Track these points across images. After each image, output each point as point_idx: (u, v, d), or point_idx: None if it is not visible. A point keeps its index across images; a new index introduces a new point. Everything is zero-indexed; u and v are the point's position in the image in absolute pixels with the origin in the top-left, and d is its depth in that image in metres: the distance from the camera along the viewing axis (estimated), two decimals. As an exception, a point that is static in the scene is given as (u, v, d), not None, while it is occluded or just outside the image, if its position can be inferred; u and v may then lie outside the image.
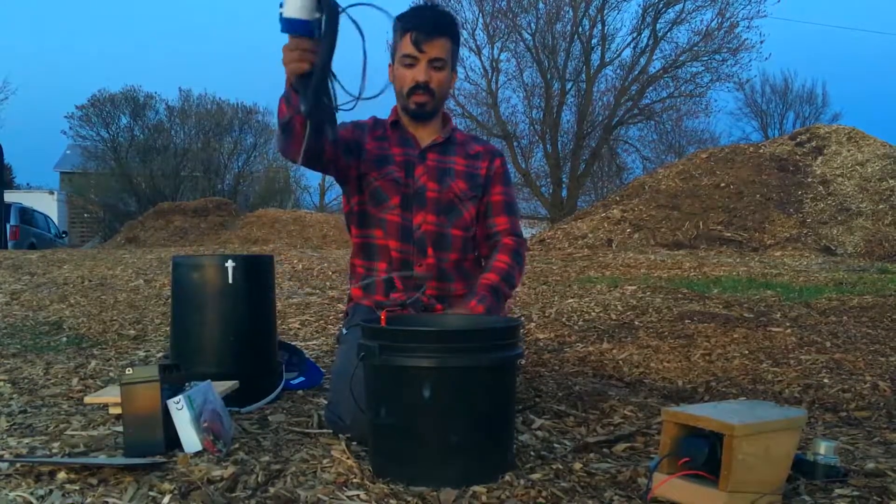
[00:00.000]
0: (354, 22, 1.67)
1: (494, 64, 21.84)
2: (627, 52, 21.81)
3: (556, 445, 1.89)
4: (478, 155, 2.30)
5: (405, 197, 2.20)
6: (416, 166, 2.22)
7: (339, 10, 1.64)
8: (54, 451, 1.82)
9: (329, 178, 22.17)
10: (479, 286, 2.11)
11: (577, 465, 1.71)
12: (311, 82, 1.69)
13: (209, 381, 1.99)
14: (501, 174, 2.32)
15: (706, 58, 21.10)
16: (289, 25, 1.65)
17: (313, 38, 1.66)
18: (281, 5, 1.65)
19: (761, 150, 12.37)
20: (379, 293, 2.19)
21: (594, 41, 21.62)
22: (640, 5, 21.12)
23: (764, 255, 8.88)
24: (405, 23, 2.15)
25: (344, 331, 2.23)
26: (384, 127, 2.28)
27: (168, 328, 3.35)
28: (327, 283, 5.60)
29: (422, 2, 2.27)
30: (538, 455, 1.79)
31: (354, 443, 1.85)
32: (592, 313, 4.12)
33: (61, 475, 1.60)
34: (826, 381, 2.66)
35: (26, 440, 1.90)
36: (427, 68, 2.14)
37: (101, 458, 1.74)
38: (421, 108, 2.18)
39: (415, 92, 2.16)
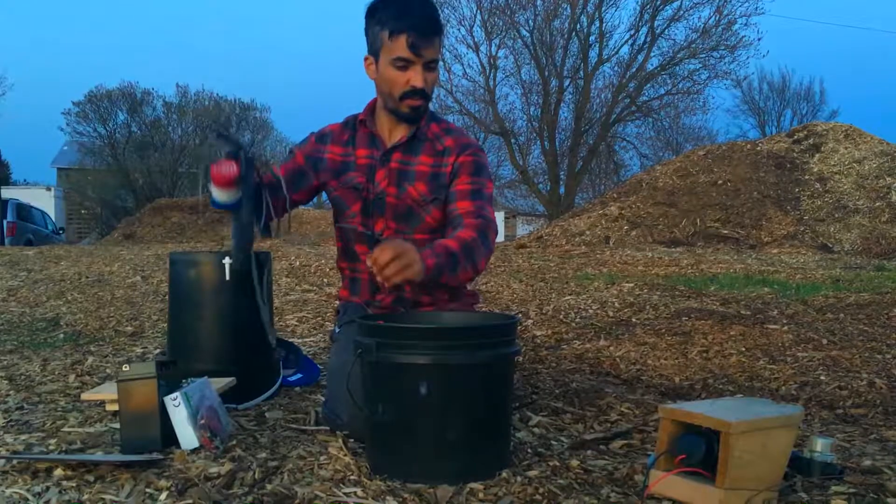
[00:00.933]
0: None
1: (492, 61, 21.85)
2: (625, 50, 21.85)
3: (553, 442, 1.89)
4: (445, 151, 2.13)
5: (365, 203, 2.13)
6: (377, 170, 2.13)
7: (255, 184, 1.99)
8: (51, 447, 1.82)
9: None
10: (436, 245, 1.89)
11: (574, 462, 1.71)
12: (238, 243, 2.05)
13: (206, 377, 1.99)
14: (468, 164, 2.12)
15: (704, 55, 21.12)
16: (217, 205, 2.01)
17: (237, 208, 1.98)
18: (208, 189, 2.06)
19: (759, 148, 12.38)
20: (364, 294, 2.20)
21: (592, 38, 21.64)
22: (638, 2, 21.14)
23: (761, 252, 8.90)
24: (397, 22, 1.99)
25: (337, 329, 2.23)
26: (354, 127, 2.20)
27: (165, 325, 3.34)
28: (325, 280, 5.59)
29: None
30: (535, 452, 1.79)
31: (352, 440, 1.85)
32: (590, 310, 4.12)
33: (58, 472, 1.60)
34: (823, 378, 2.66)
35: (23, 437, 1.90)
36: (424, 72, 2.03)
37: (98, 455, 1.74)
38: (416, 111, 2.08)
39: (411, 97, 2.04)
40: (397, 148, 2.13)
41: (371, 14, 2.06)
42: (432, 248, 1.86)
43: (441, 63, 2.20)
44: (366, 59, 2.10)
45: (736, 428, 1.42)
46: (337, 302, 2.43)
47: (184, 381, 1.90)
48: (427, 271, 1.79)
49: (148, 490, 1.51)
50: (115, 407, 1.89)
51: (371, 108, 2.19)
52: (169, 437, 1.76)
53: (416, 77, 2.02)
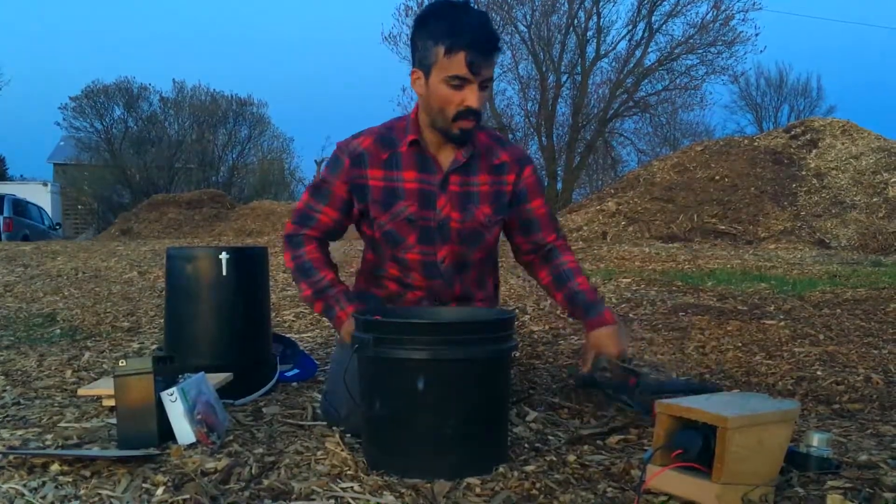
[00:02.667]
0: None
1: (490, 56, 21.76)
2: (623, 45, 21.81)
3: (549, 437, 1.89)
4: (503, 167, 2.06)
5: (424, 231, 2.01)
6: (438, 197, 1.99)
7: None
8: (47, 443, 1.81)
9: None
10: (585, 293, 2.10)
11: (571, 457, 1.71)
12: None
13: (203, 373, 1.99)
14: (534, 184, 2.12)
15: (701, 50, 21.09)
16: None
17: None
18: None
19: (756, 143, 12.39)
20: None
21: (590, 34, 21.60)
22: (635, -3, 21.10)
23: (758, 247, 8.91)
24: (455, 39, 1.83)
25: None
26: (395, 145, 2.01)
27: (162, 320, 3.34)
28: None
29: None
30: (532, 447, 1.79)
31: (349, 435, 1.85)
32: (587, 306, 4.11)
33: (54, 467, 1.60)
34: (819, 373, 2.67)
35: (19, 432, 1.90)
36: (478, 91, 1.88)
37: (95, 451, 1.74)
38: (467, 134, 1.93)
39: (464, 118, 1.90)
40: (455, 171, 2.00)
41: (422, 25, 1.91)
42: (599, 303, 2.10)
43: None
44: (413, 72, 1.94)
45: (733, 423, 1.43)
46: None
47: (180, 376, 1.90)
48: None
49: (145, 485, 1.51)
50: (112, 402, 1.89)
51: (416, 124, 2.00)
52: (166, 433, 1.76)
53: (471, 97, 1.88)
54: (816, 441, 1.63)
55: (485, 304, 2.17)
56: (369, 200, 2.01)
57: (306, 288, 2.04)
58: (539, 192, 2.15)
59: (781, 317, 3.64)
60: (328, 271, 2.04)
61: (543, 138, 22.23)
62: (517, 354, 2.92)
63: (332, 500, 1.45)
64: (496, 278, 2.28)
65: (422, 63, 1.91)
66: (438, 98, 1.90)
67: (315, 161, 26.73)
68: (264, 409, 2.15)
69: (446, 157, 2.01)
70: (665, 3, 20.85)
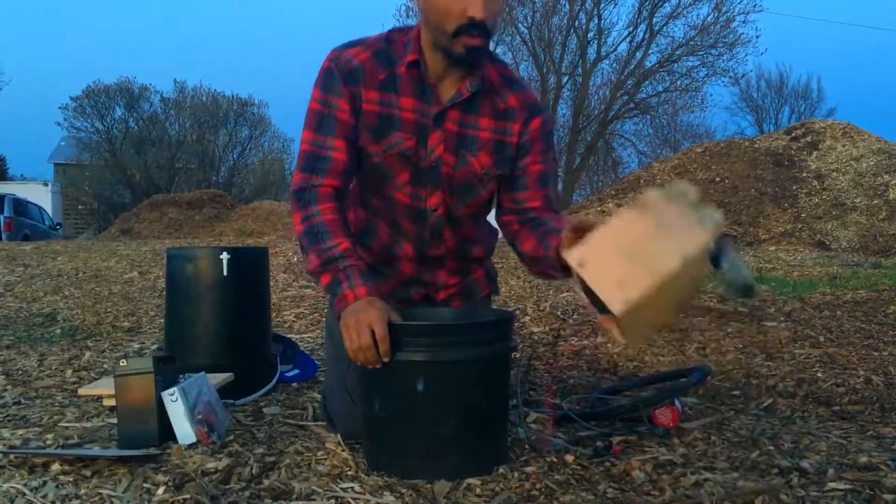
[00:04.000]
0: None
1: (490, 57, 21.80)
2: (623, 46, 21.86)
3: (550, 438, 1.89)
4: (509, 113, 1.78)
5: (416, 171, 1.77)
6: (430, 131, 1.74)
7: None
8: (48, 442, 1.81)
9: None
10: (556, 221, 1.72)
11: (571, 458, 1.71)
12: None
13: (203, 373, 1.99)
14: (539, 138, 1.81)
15: (702, 52, 21.12)
16: None
17: None
18: None
19: (756, 145, 12.39)
20: (396, 280, 1.92)
21: (590, 35, 21.63)
22: (636, -1, 21.12)
23: (758, 249, 8.91)
24: None
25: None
26: (393, 64, 1.73)
27: (162, 320, 3.34)
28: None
29: None
30: (532, 448, 1.79)
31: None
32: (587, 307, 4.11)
33: (55, 467, 1.60)
34: (820, 375, 2.67)
35: (20, 432, 1.90)
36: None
37: (95, 450, 1.74)
38: (474, 52, 1.64)
39: (467, 32, 1.61)
40: (456, 106, 1.74)
41: None
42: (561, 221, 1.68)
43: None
44: None
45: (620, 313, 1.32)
46: None
47: (181, 376, 1.90)
48: None
49: (145, 485, 1.51)
50: (113, 402, 1.89)
51: (417, 43, 1.72)
52: (166, 433, 1.76)
53: (474, 4, 1.58)
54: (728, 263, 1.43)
55: (479, 264, 1.97)
56: (360, 125, 1.74)
57: (314, 258, 1.65)
58: (541, 147, 1.83)
59: (782, 318, 3.64)
60: (344, 238, 1.66)
61: (544, 139, 22.21)
62: (517, 355, 2.92)
63: (333, 501, 1.45)
64: (490, 245, 2.02)
65: None
66: (437, 9, 1.62)
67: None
68: (265, 410, 2.15)
69: (447, 88, 1.74)
70: (666, 4, 20.89)
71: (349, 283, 1.61)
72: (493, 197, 1.89)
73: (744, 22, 20.50)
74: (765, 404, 2.35)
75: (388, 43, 1.75)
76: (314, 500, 1.46)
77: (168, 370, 1.87)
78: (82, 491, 1.48)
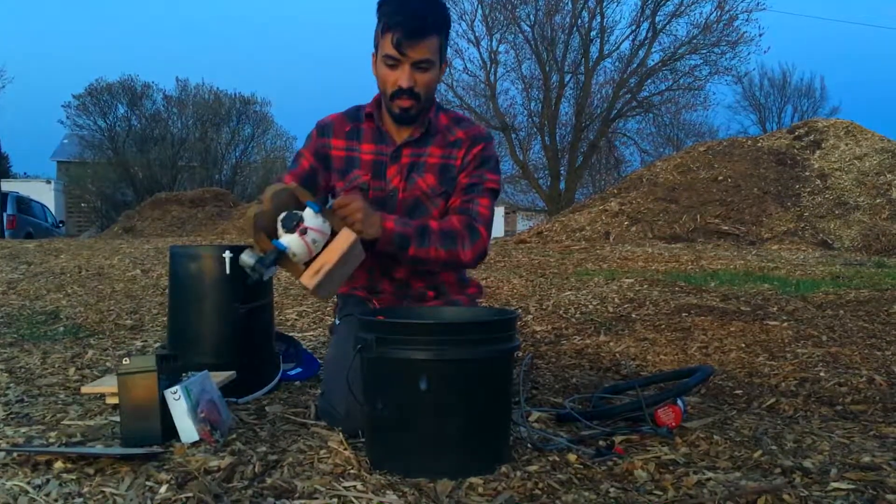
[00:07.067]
0: None
1: (493, 56, 21.84)
2: (626, 45, 21.85)
3: (552, 437, 1.89)
4: (457, 143, 2.10)
5: (374, 202, 2.03)
6: (388, 167, 2.08)
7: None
8: (51, 440, 1.82)
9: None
10: (407, 219, 1.98)
11: (574, 457, 1.71)
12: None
13: (206, 371, 1.99)
14: (475, 158, 2.09)
15: (705, 51, 21.11)
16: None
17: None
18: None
19: (759, 144, 12.37)
20: (361, 281, 2.19)
21: (593, 33, 21.61)
22: (639, -3, 21.09)
23: (761, 248, 8.89)
24: (385, 18, 1.95)
25: (337, 321, 2.22)
26: (358, 118, 2.13)
27: (165, 318, 3.34)
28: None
29: None
30: (535, 447, 1.79)
31: (348, 435, 1.85)
32: (590, 306, 4.12)
33: (58, 465, 1.60)
34: (822, 374, 2.66)
35: (23, 429, 1.90)
36: (411, 72, 1.97)
37: (98, 448, 1.74)
38: (405, 112, 2.02)
39: (398, 96, 1.99)
40: (409, 144, 2.08)
41: (378, 7, 2.01)
42: (402, 219, 1.95)
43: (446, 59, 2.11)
44: (372, 55, 2.05)
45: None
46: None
47: (184, 374, 1.90)
48: (386, 233, 1.89)
49: (148, 483, 1.51)
50: (116, 400, 1.89)
51: (378, 102, 2.12)
52: (169, 431, 1.76)
53: (402, 77, 1.97)
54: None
55: (442, 299, 2.16)
56: (332, 168, 2.12)
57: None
58: (474, 165, 2.09)
59: (784, 318, 3.64)
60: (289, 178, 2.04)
61: (546, 138, 22.23)
62: (519, 354, 2.92)
63: (335, 499, 1.45)
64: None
65: (374, 43, 2.03)
66: (379, 77, 2.02)
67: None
68: (267, 408, 2.15)
69: (401, 134, 2.09)
70: (669, 3, 20.88)
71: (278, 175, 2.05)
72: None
73: (747, 20, 20.52)
74: (767, 404, 2.35)
75: (357, 108, 2.16)
76: (317, 498, 1.46)
77: (171, 368, 1.86)
78: (85, 489, 1.48)
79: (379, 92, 2.08)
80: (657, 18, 21.14)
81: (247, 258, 1.75)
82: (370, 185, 2.08)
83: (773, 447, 1.82)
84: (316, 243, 1.77)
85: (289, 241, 1.75)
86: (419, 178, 2.08)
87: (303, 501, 1.45)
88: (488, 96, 22.12)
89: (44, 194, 21.75)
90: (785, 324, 3.44)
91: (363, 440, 1.77)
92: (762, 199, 10.49)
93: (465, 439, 1.61)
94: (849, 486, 1.55)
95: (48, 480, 1.52)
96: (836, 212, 10.12)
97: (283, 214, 1.78)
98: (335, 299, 2.33)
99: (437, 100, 2.19)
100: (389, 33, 1.93)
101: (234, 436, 1.83)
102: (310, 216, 1.77)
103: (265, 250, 1.75)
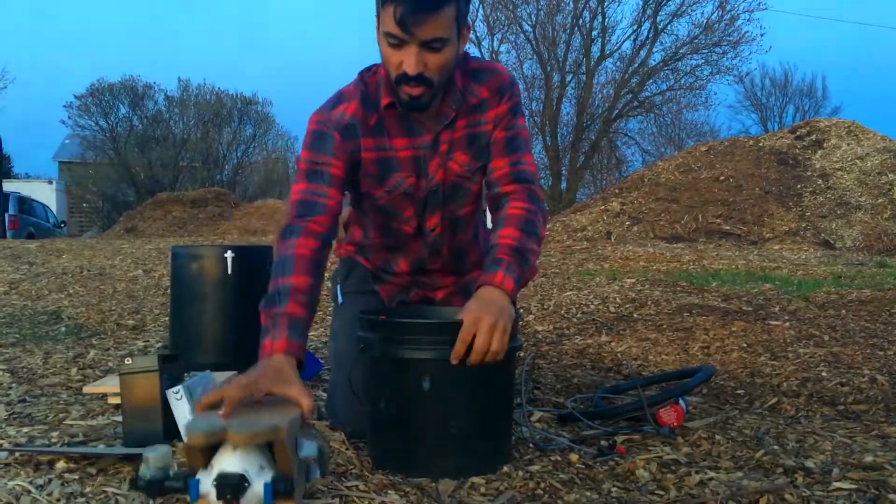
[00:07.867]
0: None
1: (494, 55, 21.81)
2: (628, 45, 21.85)
3: (554, 437, 1.89)
4: (481, 105, 1.77)
5: (420, 202, 1.82)
6: (428, 161, 1.77)
7: None
8: (53, 440, 1.82)
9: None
10: (498, 251, 1.65)
11: (576, 457, 1.71)
12: None
13: (209, 371, 1.99)
14: (505, 112, 1.77)
15: (706, 50, 21.11)
16: None
17: None
18: None
19: (761, 144, 12.37)
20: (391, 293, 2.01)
21: (594, 33, 21.61)
22: (640, -3, 21.11)
23: (763, 248, 8.89)
24: None
25: (339, 296, 2.05)
26: (377, 109, 1.74)
27: (167, 318, 3.35)
28: (325, 275, 5.59)
29: None
30: (537, 447, 1.79)
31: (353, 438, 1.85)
32: (591, 306, 4.12)
33: (60, 464, 1.60)
34: (824, 374, 2.66)
35: (25, 429, 1.90)
36: (420, 53, 1.57)
37: (100, 448, 1.74)
38: (415, 100, 1.64)
39: (405, 83, 1.61)
40: (447, 127, 1.75)
41: None
42: (499, 263, 1.62)
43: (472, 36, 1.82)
44: (377, 29, 1.64)
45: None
46: (336, 257, 2.11)
47: (186, 374, 1.91)
48: (514, 300, 1.62)
49: (150, 483, 1.51)
50: (118, 400, 1.90)
51: (386, 84, 1.71)
52: (171, 431, 1.77)
53: (408, 61, 1.58)
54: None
55: (476, 266, 1.93)
56: (360, 175, 1.76)
57: (268, 292, 1.60)
58: (506, 118, 1.78)
59: (786, 318, 3.63)
60: (302, 276, 1.58)
61: (548, 138, 22.23)
62: (521, 354, 2.92)
63: (337, 499, 1.45)
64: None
65: (377, 16, 1.62)
66: (383, 56, 1.64)
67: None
68: (269, 408, 2.15)
69: (429, 114, 1.73)
70: (670, 2, 20.88)
71: (273, 334, 1.51)
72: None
73: (748, 20, 20.55)
74: (769, 403, 2.34)
75: (366, 86, 1.76)
76: (319, 498, 1.46)
77: (173, 368, 1.87)
78: (87, 489, 1.48)
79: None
80: (658, 18, 21.15)
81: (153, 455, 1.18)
82: (416, 187, 1.79)
83: (775, 447, 1.82)
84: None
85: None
86: (449, 160, 1.78)
87: (305, 501, 1.45)
88: (489, 96, 22.10)
89: (45, 194, 21.76)
90: (787, 324, 3.44)
91: (365, 440, 1.77)
92: (764, 199, 10.49)
93: (467, 439, 1.61)
94: (851, 485, 1.55)
95: (50, 480, 1.52)
96: (838, 212, 10.12)
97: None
98: (335, 261, 2.09)
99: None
100: (389, 7, 1.54)
101: (236, 436, 1.83)
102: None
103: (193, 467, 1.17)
